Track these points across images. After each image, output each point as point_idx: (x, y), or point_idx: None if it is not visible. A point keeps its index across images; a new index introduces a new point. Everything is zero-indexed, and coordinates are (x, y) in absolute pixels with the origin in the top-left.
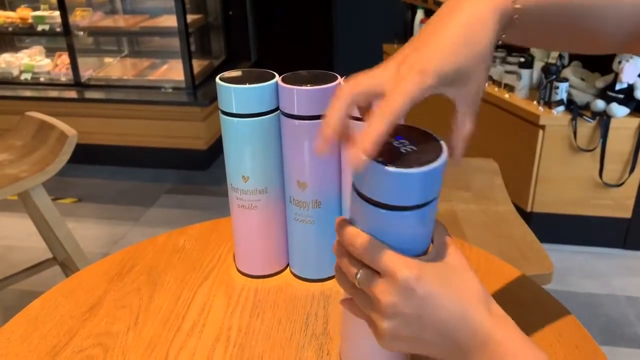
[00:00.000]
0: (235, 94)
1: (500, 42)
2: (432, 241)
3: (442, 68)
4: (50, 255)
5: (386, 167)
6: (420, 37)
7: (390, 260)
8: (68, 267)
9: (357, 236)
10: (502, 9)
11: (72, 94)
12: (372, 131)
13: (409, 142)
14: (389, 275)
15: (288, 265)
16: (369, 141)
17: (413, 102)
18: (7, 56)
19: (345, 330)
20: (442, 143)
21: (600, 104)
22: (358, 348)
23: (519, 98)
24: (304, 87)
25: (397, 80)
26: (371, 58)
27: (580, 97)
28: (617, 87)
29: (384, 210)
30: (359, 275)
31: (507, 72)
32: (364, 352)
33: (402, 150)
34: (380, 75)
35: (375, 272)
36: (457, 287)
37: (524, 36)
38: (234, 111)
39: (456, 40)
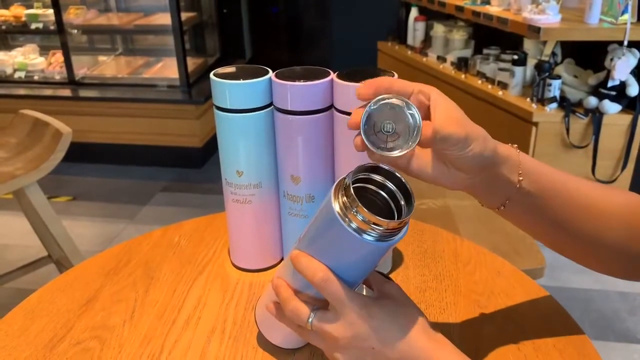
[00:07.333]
0: (229, 89)
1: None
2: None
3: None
4: (45, 254)
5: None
6: None
7: (346, 300)
8: (63, 265)
9: (318, 270)
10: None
11: (66, 92)
12: None
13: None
14: (344, 314)
15: (282, 259)
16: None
17: None
18: (1, 54)
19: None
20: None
21: (592, 101)
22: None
23: (512, 95)
24: (297, 83)
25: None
26: (366, 55)
27: (573, 94)
28: (610, 84)
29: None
30: (311, 319)
31: (501, 69)
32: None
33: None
34: None
35: (326, 311)
36: (403, 319)
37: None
38: (228, 106)
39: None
